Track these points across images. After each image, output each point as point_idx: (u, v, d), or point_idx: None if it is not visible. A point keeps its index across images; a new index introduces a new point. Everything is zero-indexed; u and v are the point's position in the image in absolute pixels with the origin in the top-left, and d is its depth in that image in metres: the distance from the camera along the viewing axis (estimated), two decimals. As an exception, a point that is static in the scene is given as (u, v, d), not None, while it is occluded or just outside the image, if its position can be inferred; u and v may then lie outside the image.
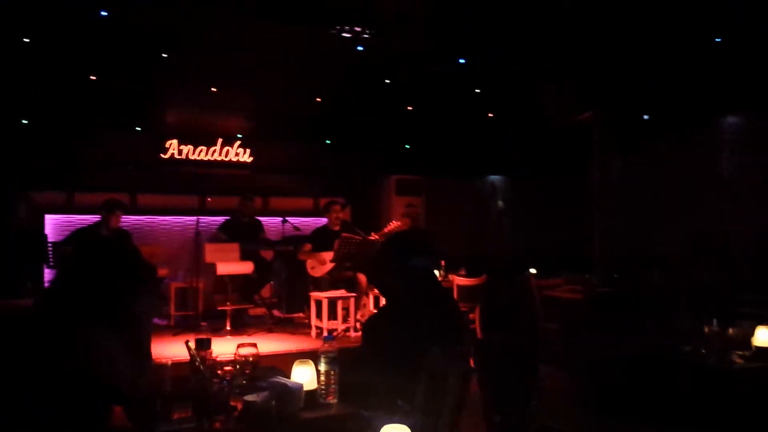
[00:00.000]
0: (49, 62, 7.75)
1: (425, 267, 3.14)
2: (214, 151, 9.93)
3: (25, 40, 7.19)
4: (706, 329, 3.57)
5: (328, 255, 7.48)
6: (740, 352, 3.55)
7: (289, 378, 2.51)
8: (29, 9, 6.64)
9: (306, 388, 2.44)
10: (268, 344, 6.56)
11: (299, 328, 7.83)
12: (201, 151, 9.84)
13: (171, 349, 5.98)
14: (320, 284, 7.52)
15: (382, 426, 1.82)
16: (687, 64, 7.79)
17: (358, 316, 7.37)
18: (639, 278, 7.15)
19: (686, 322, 3.99)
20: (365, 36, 7.34)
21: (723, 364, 3.43)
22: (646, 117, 9.23)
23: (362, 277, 7.58)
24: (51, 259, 7.03)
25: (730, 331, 3.64)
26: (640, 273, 7.27)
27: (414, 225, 8.91)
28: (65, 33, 7.21)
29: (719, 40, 7.22)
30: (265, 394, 2.36)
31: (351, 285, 7.50)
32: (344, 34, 7.23)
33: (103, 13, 6.78)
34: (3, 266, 7.23)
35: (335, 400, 2.50)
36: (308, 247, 7.71)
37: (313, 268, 7.66)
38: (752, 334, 3.56)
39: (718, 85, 7.91)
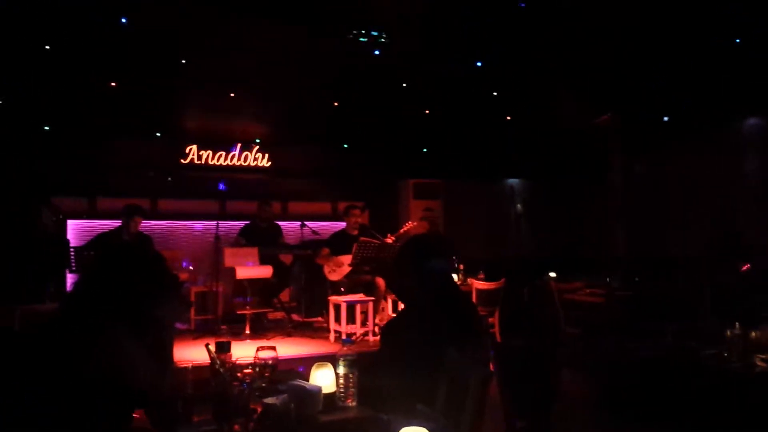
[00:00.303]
0: (69, 69, 7.85)
1: (443, 270, 3.13)
2: (233, 156, 10.00)
3: (47, 47, 7.30)
4: (728, 332, 3.53)
5: (346, 258, 7.49)
6: (763, 356, 3.51)
7: (308, 381, 2.51)
8: (50, 16, 6.73)
9: (325, 391, 2.44)
10: (287, 348, 6.58)
11: (318, 332, 7.85)
12: (220, 156, 9.92)
13: (191, 353, 6.02)
14: (338, 288, 7.53)
15: (402, 429, 1.82)
16: (707, 66, 7.72)
17: (377, 320, 7.37)
18: (660, 281, 7.09)
19: (708, 325, 3.94)
20: (382, 40, 7.36)
21: (745, 367, 3.39)
22: (665, 119, 9.15)
23: (381, 282, 7.58)
24: (73, 264, 7.11)
25: (753, 334, 3.60)
26: (662, 276, 7.21)
27: (432, 228, 8.91)
28: (85, 40, 7.31)
29: (738, 41, 7.15)
30: (284, 396, 2.37)
31: (369, 289, 7.50)
32: (361, 39, 7.25)
33: (123, 20, 6.86)
34: (26, 271, 7.32)
35: (354, 404, 2.50)
36: (326, 251, 7.73)
37: (331, 271, 7.67)
38: (776, 337, 3.52)
39: (739, 87, 7.83)
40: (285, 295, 8.72)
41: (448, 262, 3.22)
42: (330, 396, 2.46)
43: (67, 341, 2.19)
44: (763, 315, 3.77)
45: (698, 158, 9.08)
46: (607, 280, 7.54)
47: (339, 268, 7.59)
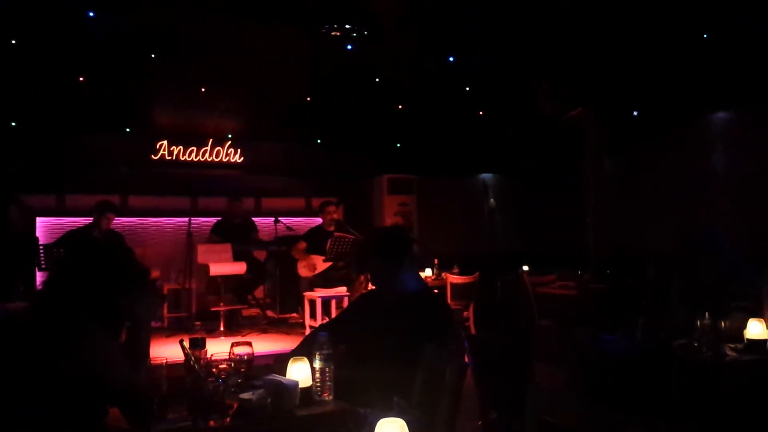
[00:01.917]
0: (38, 64, 7.71)
1: (401, 261, 3.15)
2: (205, 151, 9.90)
3: (12, 42, 7.16)
4: (699, 323, 3.57)
5: (319, 259, 7.49)
6: (732, 345, 3.56)
7: (284, 376, 2.50)
8: (18, 10, 6.60)
9: (301, 385, 2.43)
10: (263, 344, 6.55)
11: (293, 328, 7.83)
12: (191, 151, 9.81)
13: (165, 351, 5.94)
14: (313, 281, 7.52)
15: (379, 420, 1.82)
16: (677, 61, 7.82)
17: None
18: (632, 274, 7.17)
19: (679, 316, 4.00)
20: (355, 35, 7.34)
21: (715, 357, 3.45)
22: (635, 113, 9.26)
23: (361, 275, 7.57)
24: (42, 262, 6.99)
25: (723, 324, 3.65)
26: (633, 269, 7.30)
27: (406, 224, 8.93)
28: (54, 35, 7.18)
29: (706, 36, 7.26)
30: (260, 391, 2.36)
31: (346, 284, 7.50)
32: (334, 33, 7.22)
33: (91, 14, 6.76)
34: (-6, 270, 7.20)
35: (331, 397, 2.49)
36: (303, 245, 7.70)
37: (302, 268, 7.65)
38: (745, 326, 3.57)
39: (708, 81, 7.95)
40: (259, 292, 8.68)
41: (405, 254, 3.22)
42: (306, 390, 2.46)
43: (38, 339, 2.16)
44: (732, 305, 3.83)
45: (669, 152, 9.19)
46: (579, 273, 7.61)
47: (312, 266, 7.57)
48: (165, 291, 8.02)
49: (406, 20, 7.23)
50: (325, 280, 7.50)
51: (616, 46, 7.77)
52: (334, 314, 7.10)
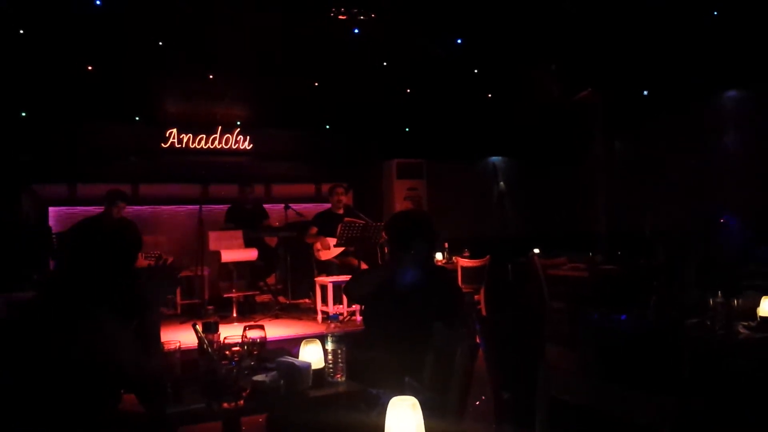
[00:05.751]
0: (46, 54, 7.73)
1: (423, 244, 3.17)
2: (214, 138, 9.90)
3: (21, 31, 7.18)
4: (711, 302, 3.57)
5: (333, 240, 7.50)
6: (745, 323, 3.56)
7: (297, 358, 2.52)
8: (26, 0, 6.62)
9: (314, 367, 2.45)
10: (275, 329, 6.58)
11: (305, 313, 7.86)
12: (201, 139, 9.81)
13: (178, 336, 5.98)
14: (329, 268, 7.53)
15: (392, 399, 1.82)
16: (687, 40, 7.75)
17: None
18: (643, 255, 7.15)
19: (692, 295, 3.99)
20: (361, 18, 7.31)
21: (728, 335, 3.44)
22: (645, 93, 9.18)
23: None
24: (56, 251, 7.04)
25: (736, 302, 3.65)
26: (644, 250, 7.28)
27: (416, 208, 8.92)
28: (60, 23, 7.20)
29: (716, 14, 7.18)
30: (273, 373, 2.37)
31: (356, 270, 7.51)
32: (340, 17, 7.20)
33: (98, 3, 6.77)
34: (8, 259, 7.24)
35: (343, 378, 2.51)
36: (314, 230, 7.72)
37: (319, 250, 7.67)
38: (758, 304, 3.57)
39: (718, 60, 7.87)
40: (271, 278, 8.71)
41: (427, 237, 3.24)
42: (319, 372, 2.47)
43: (49, 326, 2.17)
44: (745, 284, 3.82)
45: (679, 132, 9.12)
46: (590, 254, 7.59)
47: (328, 248, 7.59)
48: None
49: (413, 2, 7.19)
50: (338, 266, 7.52)
51: (625, 24, 7.70)
52: (344, 300, 7.12)
